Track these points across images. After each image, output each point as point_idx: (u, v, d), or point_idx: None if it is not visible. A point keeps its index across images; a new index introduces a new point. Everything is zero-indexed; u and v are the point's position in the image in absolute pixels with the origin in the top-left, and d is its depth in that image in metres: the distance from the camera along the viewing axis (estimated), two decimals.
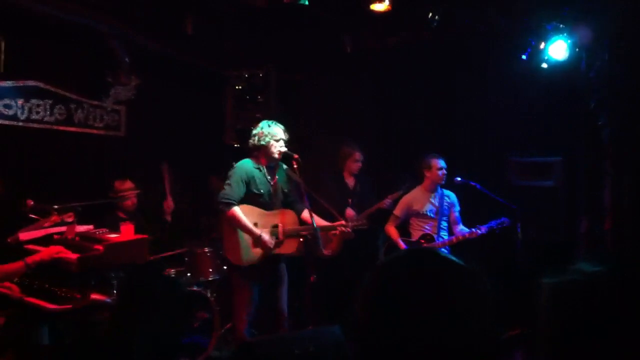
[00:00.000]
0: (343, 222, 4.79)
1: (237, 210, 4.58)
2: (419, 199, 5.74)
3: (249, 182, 4.68)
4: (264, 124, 4.80)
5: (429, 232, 5.65)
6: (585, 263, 1.34)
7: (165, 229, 6.01)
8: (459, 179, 5.62)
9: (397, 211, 5.81)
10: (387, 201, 6.04)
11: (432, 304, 1.18)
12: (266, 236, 4.60)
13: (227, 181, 4.69)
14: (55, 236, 4.33)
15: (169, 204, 6.03)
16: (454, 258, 1.29)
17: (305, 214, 4.76)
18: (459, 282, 1.24)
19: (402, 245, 5.68)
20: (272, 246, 4.62)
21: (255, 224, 4.64)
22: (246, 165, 4.77)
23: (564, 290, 1.30)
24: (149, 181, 6.14)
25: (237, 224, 4.60)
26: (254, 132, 4.80)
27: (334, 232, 4.79)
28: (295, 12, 6.15)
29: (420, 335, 1.16)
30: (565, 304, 1.28)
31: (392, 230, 5.78)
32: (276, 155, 4.72)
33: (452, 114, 6.71)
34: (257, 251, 4.65)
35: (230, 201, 4.59)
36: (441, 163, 5.61)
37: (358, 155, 6.31)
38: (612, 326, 1.21)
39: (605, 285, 1.27)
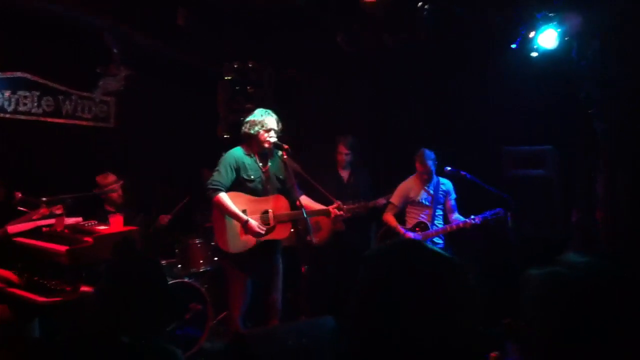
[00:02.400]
0: (338, 204, 4.79)
1: (223, 196, 4.57)
2: (414, 188, 5.76)
3: (238, 169, 4.68)
4: (257, 112, 4.78)
5: (423, 220, 5.67)
6: (574, 254, 1.34)
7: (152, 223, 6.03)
8: (448, 168, 5.62)
9: (394, 199, 5.83)
10: (383, 201, 6.02)
11: (425, 298, 1.18)
12: (253, 222, 4.57)
13: (216, 168, 4.70)
14: (44, 229, 4.30)
15: (165, 218, 6.07)
16: (442, 251, 1.29)
17: (302, 200, 4.76)
18: (450, 276, 1.23)
19: (402, 230, 5.66)
20: (261, 231, 4.59)
21: (244, 211, 4.62)
22: (236, 152, 4.77)
23: (549, 281, 1.30)
24: (138, 173, 6.11)
25: (223, 209, 4.59)
26: (247, 119, 4.79)
27: (330, 216, 4.79)
28: (292, 10, 6.14)
29: (413, 329, 1.15)
30: (550, 294, 1.27)
31: (390, 218, 5.79)
32: (265, 145, 4.71)
33: (446, 106, 6.69)
34: (247, 238, 4.63)
35: (217, 187, 4.58)
36: (427, 161, 5.59)
37: (342, 148, 6.31)
38: (597, 318, 1.21)
39: (591, 276, 1.27)
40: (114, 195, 5.71)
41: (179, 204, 6.17)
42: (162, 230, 6.04)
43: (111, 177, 5.72)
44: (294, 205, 4.74)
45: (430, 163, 5.60)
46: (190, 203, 6.26)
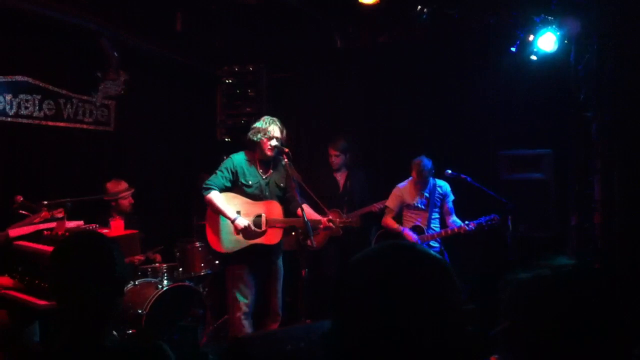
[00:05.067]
0: (331, 216, 4.82)
1: (214, 195, 4.69)
2: (409, 192, 5.78)
3: (236, 173, 4.77)
4: (263, 120, 4.84)
5: (419, 224, 5.67)
6: (560, 257, 1.34)
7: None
8: (449, 171, 5.63)
9: (390, 203, 5.84)
10: (378, 206, 6.03)
11: (421, 298, 1.18)
12: (241, 220, 4.65)
13: (216, 170, 4.82)
14: (45, 232, 4.30)
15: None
16: (433, 252, 1.30)
17: (303, 208, 4.79)
18: (442, 277, 1.24)
19: (401, 228, 5.65)
20: (249, 229, 4.65)
21: (238, 212, 4.71)
22: (237, 156, 4.87)
23: (536, 284, 1.31)
24: (139, 176, 6.11)
25: (213, 208, 4.71)
26: (253, 125, 4.86)
27: (320, 226, 4.84)
28: (286, 9, 6.15)
29: (410, 330, 1.16)
30: (538, 298, 1.28)
31: (389, 221, 5.80)
32: (267, 153, 4.76)
33: (442, 109, 6.69)
34: (239, 238, 4.72)
35: (210, 187, 4.70)
36: (424, 169, 5.57)
37: (331, 151, 6.33)
38: (586, 321, 1.22)
39: (579, 279, 1.27)
40: (125, 202, 5.71)
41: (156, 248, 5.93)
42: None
43: (123, 185, 5.72)
44: (290, 212, 4.79)
45: (426, 174, 5.59)
46: (165, 249, 6.12)
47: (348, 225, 4.98)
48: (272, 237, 4.81)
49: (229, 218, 4.66)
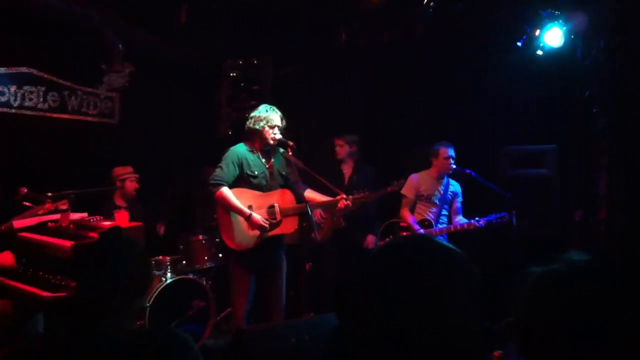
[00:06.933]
0: (343, 195, 4.77)
1: (226, 191, 4.56)
2: (426, 183, 5.75)
3: (241, 165, 4.67)
4: (262, 108, 4.77)
5: (429, 218, 5.66)
6: (574, 253, 1.34)
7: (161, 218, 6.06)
8: (454, 166, 5.62)
9: (406, 191, 5.78)
10: (392, 188, 5.96)
11: (429, 294, 1.17)
12: (257, 216, 4.57)
13: (219, 164, 4.70)
14: (49, 224, 4.30)
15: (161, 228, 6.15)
16: (451, 245, 1.28)
17: (307, 194, 4.75)
18: (459, 271, 1.23)
19: (416, 227, 5.60)
20: (265, 225, 4.59)
21: (250, 207, 4.62)
22: (239, 148, 4.76)
23: (547, 278, 1.30)
24: (144, 170, 6.11)
25: (226, 204, 4.58)
26: (251, 114, 4.78)
27: (339, 204, 4.76)
28: (288, 8, 6.13)
29: (414, 326, 1.15)
30: (547, 292, 1.28)
31: (406, 214, 5.77)
32: (270, 141, 4.70)
33: (447, 104, 6.66)
34: (254, 233, 4.62)
35: (220, 182, 4.57)
36: (450, 152, 5.60)
37: (337, 141, 6.31)
38: (594, 317, 1.21)
39: (590, 275, 1.27)
40: (130, 186, 5.74)
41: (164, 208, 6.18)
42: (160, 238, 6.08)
43: (129, 168, 5.80)
44: (300, 200, 4.74)
45: (453, 155, 5.60)
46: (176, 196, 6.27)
47: (363, 200, 4.90)
48: (288, 225, 4.74)
49: (244, 214, 4.56)
